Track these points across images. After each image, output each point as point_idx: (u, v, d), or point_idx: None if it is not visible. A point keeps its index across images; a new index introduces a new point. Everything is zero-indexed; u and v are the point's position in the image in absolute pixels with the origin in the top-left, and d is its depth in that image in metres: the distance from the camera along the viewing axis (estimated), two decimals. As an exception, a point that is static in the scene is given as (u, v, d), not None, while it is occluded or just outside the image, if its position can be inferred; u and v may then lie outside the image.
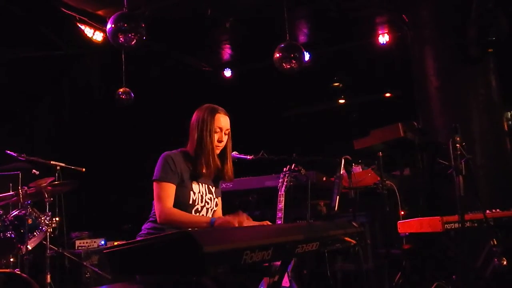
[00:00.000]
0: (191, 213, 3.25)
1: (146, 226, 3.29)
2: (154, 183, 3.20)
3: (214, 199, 3.44)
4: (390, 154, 5.99)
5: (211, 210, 3.41)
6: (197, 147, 3.30)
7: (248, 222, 3.15)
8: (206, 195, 3.36)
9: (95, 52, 8.36)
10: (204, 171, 3.29)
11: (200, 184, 3.34)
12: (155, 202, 3.17)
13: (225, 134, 3.40)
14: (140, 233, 3.28)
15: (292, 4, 7.13)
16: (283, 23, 6.74)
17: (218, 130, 3.34)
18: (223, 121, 3.38)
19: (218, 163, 3.37)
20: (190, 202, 3.24)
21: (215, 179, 3.50)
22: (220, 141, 3.35)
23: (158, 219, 3.11)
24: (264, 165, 4.42)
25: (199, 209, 3.30)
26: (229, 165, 3.48)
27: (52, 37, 7.74)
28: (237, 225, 2.92)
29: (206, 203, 3.35)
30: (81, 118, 8.46)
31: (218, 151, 3.37)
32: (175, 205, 3.15)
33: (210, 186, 3.44)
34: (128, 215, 7.86)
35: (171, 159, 3.22)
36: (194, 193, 3.27)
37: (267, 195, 5.70)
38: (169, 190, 3.16)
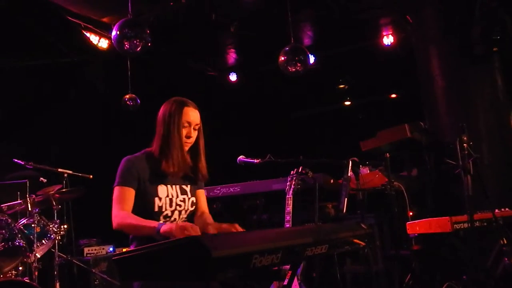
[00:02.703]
0: (160, 220, 2.99)
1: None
2: (114, 189, 2.99)
3: (189, 198, 3.17)
4: (397, 155, 5.98)
5: (186, 211, 3.15)
6: (163, 144, 3.05)
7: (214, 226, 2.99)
8: (177, 197, 3.10)
9: (101, 59, 8.39)
10: (171, 169, 3.03)
11: (168, 186, 3.08)
12: (112, 207, 2.95)
13: (194, 129, 3.13)
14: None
15: (297, 7, 7.13)
16: (287, 26, 6.74)
17: (186, 124, 3.08)
18: (192, 115, 3.11)
19: (188, 160, 3.12)
20: (156, 209, 2.99)
21: (189, 177, 3.22)
22: (188, 136, 3.09)
23: (112, 223, 2.88)
24: (271, 168, 4.42)
25: (169, 214, 3.05)
26: (203, 163, 3.20)
27: (58, 45, 7.77)
28: (189, 233, 2.58)
29: (177, 206, 3.08)
30: (88, 125, 8.48)
31: (186, 148, 3.12)
32: (139, 216, 2.90)
33: (184, 186, 3.18)
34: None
35: (131, 163, 3.01)
36: (160, 199, 3.01)
37: (275, 198, 5.70)
38: (127, 194, 2.94)
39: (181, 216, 3.12)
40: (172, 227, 2.63)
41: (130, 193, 2.95)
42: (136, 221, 2.84)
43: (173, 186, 3.11)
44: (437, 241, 5.08)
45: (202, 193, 3.35)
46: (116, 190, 2.97)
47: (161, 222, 2.93)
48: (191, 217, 3.22)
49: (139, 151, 3.17)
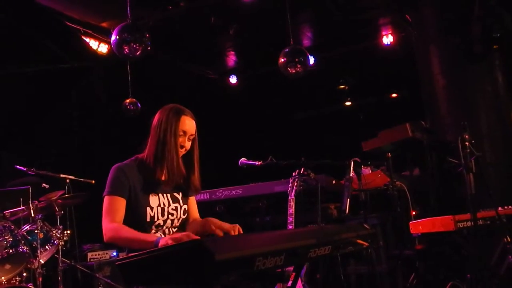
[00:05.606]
0: (151, 230, 2.96)
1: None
2: (104, 198, 2.91)
3: (182, 206, 3.11)
4: (399, 154, 5.97)
5: (179, 220, 3.09)
6: (158, 151, 2.96)
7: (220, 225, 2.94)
8: (169, 206, 3.04)
9: (101, 64, 8.40)
10: (164, 178, 3.00)
11: (160, 195, 3.02)
12: (103, 218, 2.87)
13: (188, 139, 3.04)
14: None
15: (296, 9, 7.13)
16: (287, 28, 6.74)
17: (181, 133, 3.00)
18: (188, 124, 3.02)
19: (182, 169, 3.05)
20: (148, 219, 2.92)
21: (181, 186, 3.15)
22: (181, 146, 3.01)
23: (104, 237, 2.81)
24: (273, 170, 4.41)
25: (161, 224, 2.99)
26: (196, 175, 3.13)
27: (58, 51, 7.77)
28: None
29: (169, 215, 3.03)
30: (89, 130, 8.49)
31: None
32: (130, 226, 2.82)
33: (175, 194, 3.12)
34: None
35: (121, 171, 2.93)
36: (152, 208, 2.94)
37: (277, 200, 5.70)
38: (117, 204, 2.87)
39: (173, 225, 3.07)
40: (169, 242, 2.54)
41: (121, 203, 2.88)
42: (131, 235, 2.76)
43: (165, 195, 3.05)
44: (441, 240, 5.07)
45: (193, 200, 3.30)
46: (106, 199, 2.90)
47: (158, 235, 2.90)
48: (183, 225, 3.17)
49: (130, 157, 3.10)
